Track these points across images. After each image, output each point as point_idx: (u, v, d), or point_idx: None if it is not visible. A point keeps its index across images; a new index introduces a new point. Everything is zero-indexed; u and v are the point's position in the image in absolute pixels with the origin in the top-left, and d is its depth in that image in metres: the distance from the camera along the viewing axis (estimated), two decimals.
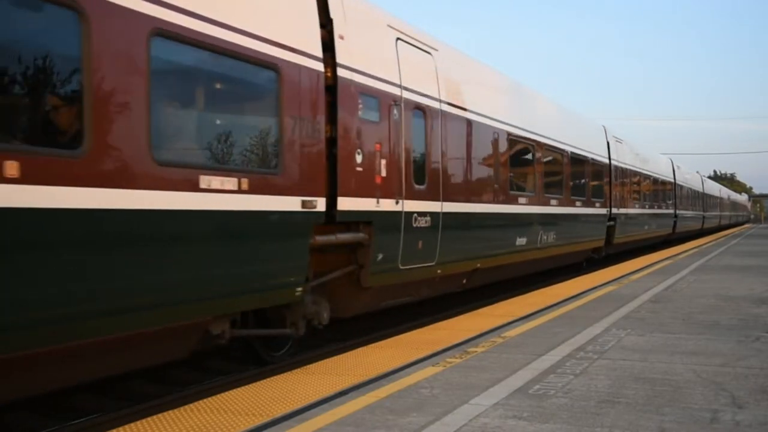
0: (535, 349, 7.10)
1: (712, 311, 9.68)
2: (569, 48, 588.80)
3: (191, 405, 5.39)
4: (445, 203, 10.54)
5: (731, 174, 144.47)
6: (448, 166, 10.79)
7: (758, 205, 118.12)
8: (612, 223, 20.94)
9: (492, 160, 12.73)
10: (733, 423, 4.56)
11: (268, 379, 6.27)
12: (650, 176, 27.98)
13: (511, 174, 13.48)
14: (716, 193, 58.59)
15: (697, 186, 44.36)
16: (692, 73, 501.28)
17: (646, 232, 26.88)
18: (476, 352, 7.03)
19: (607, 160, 20.95)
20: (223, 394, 5.71)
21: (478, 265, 12.02)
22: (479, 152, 12.08)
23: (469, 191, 11.68)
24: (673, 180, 33.98)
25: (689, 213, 39.84)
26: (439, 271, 10.50)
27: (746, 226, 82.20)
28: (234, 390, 5.86)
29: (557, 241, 15.90)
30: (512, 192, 13.40)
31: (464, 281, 12.07)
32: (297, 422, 4.74)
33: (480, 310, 10.62)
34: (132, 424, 4.94)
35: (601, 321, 8.89)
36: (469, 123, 11.68)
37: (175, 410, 5.24)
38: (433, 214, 10.18)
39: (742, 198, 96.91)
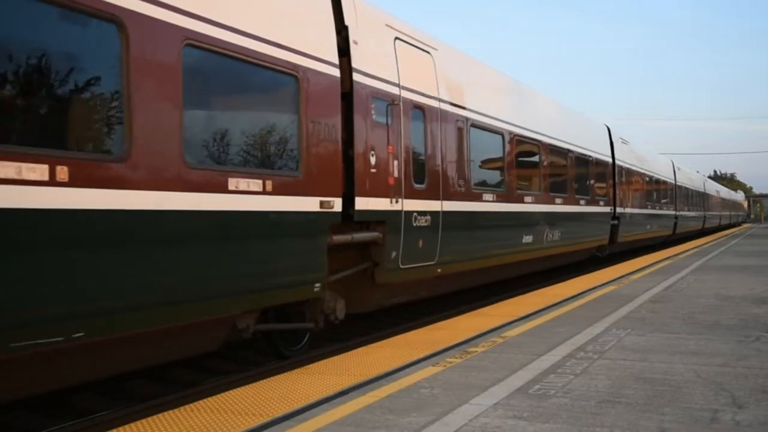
0: (535, 349, 7.10)
1: (712, 311, 9.68)
2: (569, 48, 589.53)
3: (191, 405, 5.39)
4: None
5: (731, 174, 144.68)
6: None
7: (758, 205, 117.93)
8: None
9: None
10: (733, 423, 4.56)
11: (268, 379, 6.27)
12: (547, 145, 15.77)
13: None
14: (699, 187, 45.88)
15: (665, 175, 32.26)
16: (692, 73, 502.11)
17: (533, 247, 14.67)
18: (476, 352, 7.02)
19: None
20: (223, 394, 5.71)
21: None
22: None
23: None
24: (611, 160, 21.89)
25: (649, 212, 27.49)
26: None
27: (745, 226, 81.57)
28: (234, 390, 5.86)
29: None
30: None
31: None
32: (297, 422, 4.74)
33: (480, 310, 10.62)
34: (132, 424, 4.94)
35: (601, 321, 8.89)
36: None
37: (175, 410, 5.24)
38: None
39: (738, 196, 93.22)
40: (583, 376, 5.88)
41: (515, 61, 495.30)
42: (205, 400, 5.54)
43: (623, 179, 22.96)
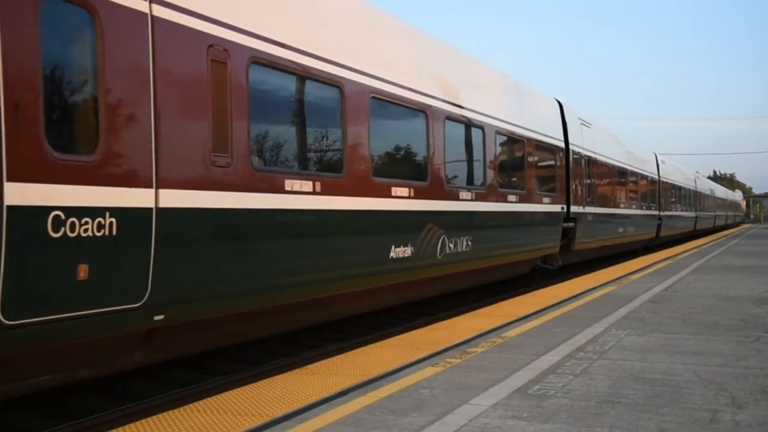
0: (535, 349, 7.10)
1: (712, 311, 9.68)
2: (569, 48, 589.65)
3: (191, 405, 5.40)
4: None
5: (731, 174, 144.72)
6: None
7: (758, 205, 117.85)
8: None
9: None
10: (733, 423, 4.56)
11: (268, 379, 6.27)
12: (443, 112, 10.97)
13: None
14: (689, 184, 41.43)
15: (645, 168, 28.12)
16: (692, 73, 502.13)
17: (414, 265, 10.05)
18: (476, 352, 7.03)
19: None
20: (223, 394, 5.71)
21: None
22: None
23: None
24: (563, 145, 17.18)
25: (622, 212, 23.06)
26: None
27: (745, 226, 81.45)
28: (234, 390, 5.87)
29: None
30: None
31: None
32: (297, 422, 4.74)
33: (480, 310, 10.63)
34: (132, 424, 4.94)
35: (600, 321, 8.89)
36: None
37: (175, 410, 5.25)
38: None
39: (736, 195, 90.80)
40: (583, 377, 5.88)
41: (515, 60, 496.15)
42: (204, 400, 5.55)
43: (582, 170, 18.22)
